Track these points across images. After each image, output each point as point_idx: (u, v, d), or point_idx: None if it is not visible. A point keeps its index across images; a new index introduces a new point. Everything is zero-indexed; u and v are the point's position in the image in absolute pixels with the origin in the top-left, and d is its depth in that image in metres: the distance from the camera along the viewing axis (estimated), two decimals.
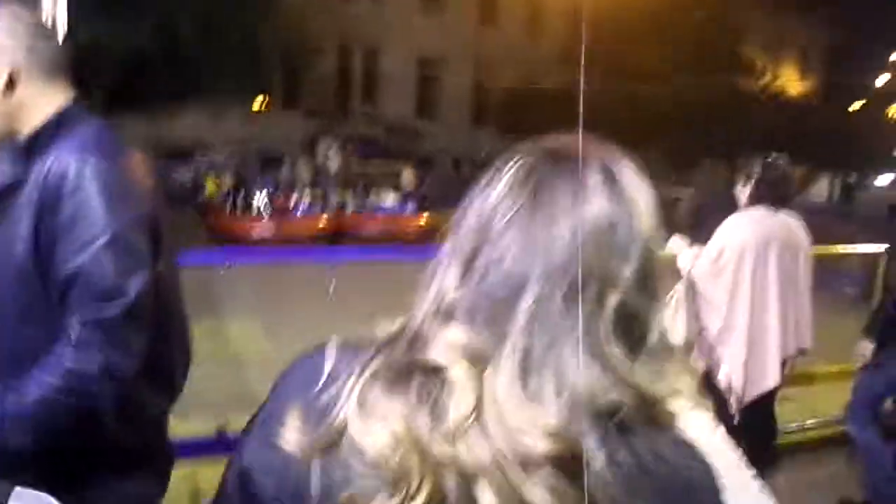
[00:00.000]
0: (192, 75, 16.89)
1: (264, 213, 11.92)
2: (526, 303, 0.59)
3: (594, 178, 0.63)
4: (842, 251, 5.84)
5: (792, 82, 36.92)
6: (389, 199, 12.46)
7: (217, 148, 22.11)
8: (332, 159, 17.30)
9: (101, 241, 1.24)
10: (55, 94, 1.38)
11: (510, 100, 27.54)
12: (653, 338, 0.64)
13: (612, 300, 0.60)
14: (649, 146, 28.13)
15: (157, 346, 1.35)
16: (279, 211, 12.17)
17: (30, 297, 1.28)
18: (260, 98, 22.91)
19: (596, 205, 0.62)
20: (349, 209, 12.41)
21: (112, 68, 14.91)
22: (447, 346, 0.60)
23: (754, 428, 3.09)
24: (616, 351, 0.60)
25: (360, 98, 26.25)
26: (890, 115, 35.84)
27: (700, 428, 0.68)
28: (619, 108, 20.62)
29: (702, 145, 26.63)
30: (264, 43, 16.88)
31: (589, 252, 0.60)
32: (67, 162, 1.27)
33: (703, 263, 2.92)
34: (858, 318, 3.44)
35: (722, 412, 3.03)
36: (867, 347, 3.15)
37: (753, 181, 3.00)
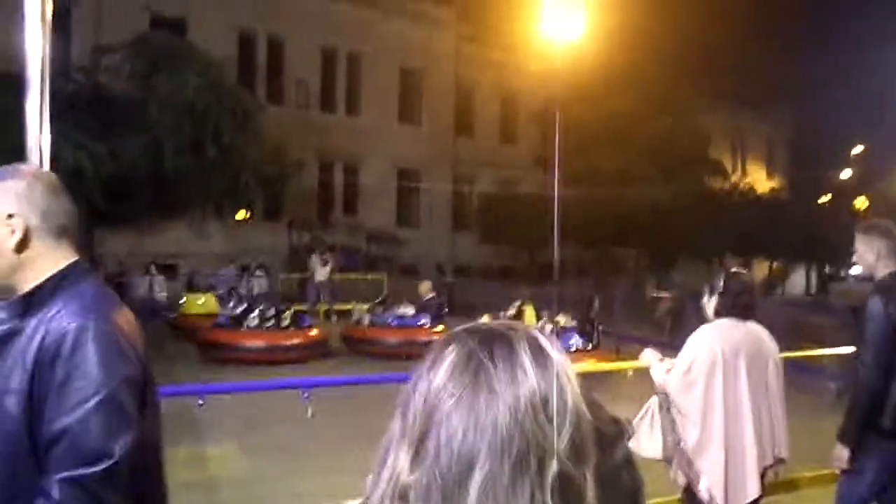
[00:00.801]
0: (178, 193, 17.20)
1: (261, 327, 11.82)
2: (476, 480, 0.64)
3: (526, 355, 0.69)
4: (816, 353, 5.94)
5: (759, 181, 38.19)
6: (408, 310, 12.49)
7: (201, 261, 22.23)
8: (320, 271, 17.48)
9: (93, 401, 1.28)
10: (60, 254, 1.47)
11: (487, 206, 28.20)
12: (587, 495, 0.68)
13: (552, 469, 0.65)
14: (625, 248, 28.76)
15: (141, 486, 1.37)
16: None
17: (22, 454, 1.31)
18: (242, 213, 23.24)
19: (530, 380, 0.68)
20: (366, 321, 12.31)
21: (100, 187, 15.16)
22: None
23: None
24: None
25: (342, 209, 26.73)
26: (855, 206, 36.98)
27: None
28: (592, 212, 21.17)
29: (677, 245, 27.23)
30: (245, 160, 17.29)
31: (528, 426, 0.66)
32: (67, 324, 1.33)
33: (675, 376, 2.99)
34: (840, 416, 3.47)
35: None
36: (843, 451, 3.18)
37: (718, 294, 3.13)
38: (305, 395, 3.57)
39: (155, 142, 15.68)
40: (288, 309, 12.67)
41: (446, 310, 13.24)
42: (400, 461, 0.68)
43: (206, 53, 17.31)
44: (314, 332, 12.29)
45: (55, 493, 1.24)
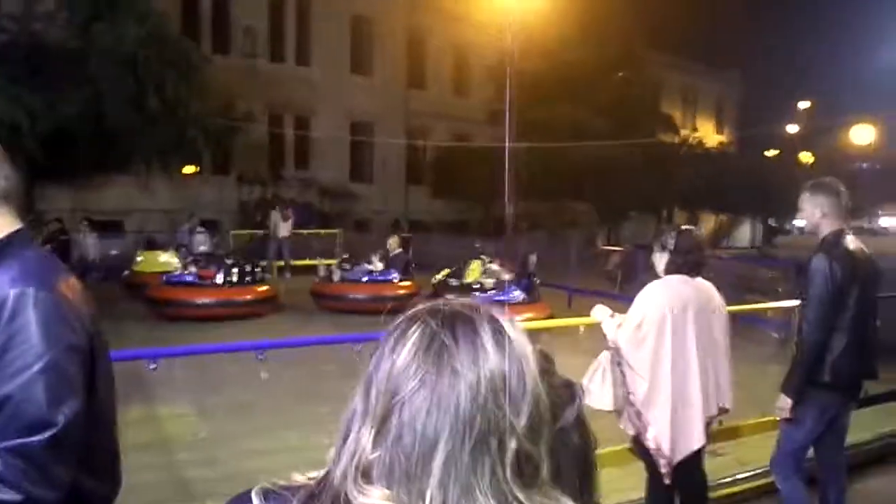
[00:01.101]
0: (121, 148, 16.66)
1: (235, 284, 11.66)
2: (439, 459, 0.66)
3: (487, 337, 0.71)
4: (760, 307, 6.12)
5: (709, 136, 38.78)
6: (377, 265, 12.43)
7: (148, 217, 21.73)
8: (283, 226, 17.23)
9: (35, 368, 1.25)
10: (2, 221, 1.42)
11: (441, 159, 28.10)
12: (544, 472, 0.71)
13: (512, 446, 0.67)
14: (577, 200, 29.07)
15: (95, 440, 1.35)
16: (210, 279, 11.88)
17: None
18: (190, 167, 22.66)
19: (491, 361, 0.69)
20: (337, 276, 12.22)
21: (38, 143, 14.58)
22: None
23: (686, 485, 3.21)
24: (519, 492, 0.67)
25: (293, 163, 26.28)
26: (801, 160, 37.93)
27: None
28: (546, 165, 21.29)
29: (628, 199, 27.63)
30: (192, 112, 16.79)
31: (489, 406, 0.67)
32: (6, 291, 1.29)
33: (625, 332, 3.06)
34: (783, 365, 3.59)
35: (653, 472, 3.14)
36: (786, 402, 3.31)
37: (668, 251, 3.18)
38: (261, 355, 3.54)
39: (95, 95, 15.10)
40: (256, 266, 12.48)
41: (413, 264, 13.21)
42: (362, 439, 0.69)
43: (147, 1, 16.60)
44: (264, 287, 12.18)
45: None
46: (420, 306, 0.76)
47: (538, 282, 11.82)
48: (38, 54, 15.92)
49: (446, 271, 12.62)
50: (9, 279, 1.32)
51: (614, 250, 18.20)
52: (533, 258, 12.67)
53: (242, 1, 24.50)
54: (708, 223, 36.27)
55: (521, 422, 0.69)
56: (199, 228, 17.71)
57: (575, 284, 13.62)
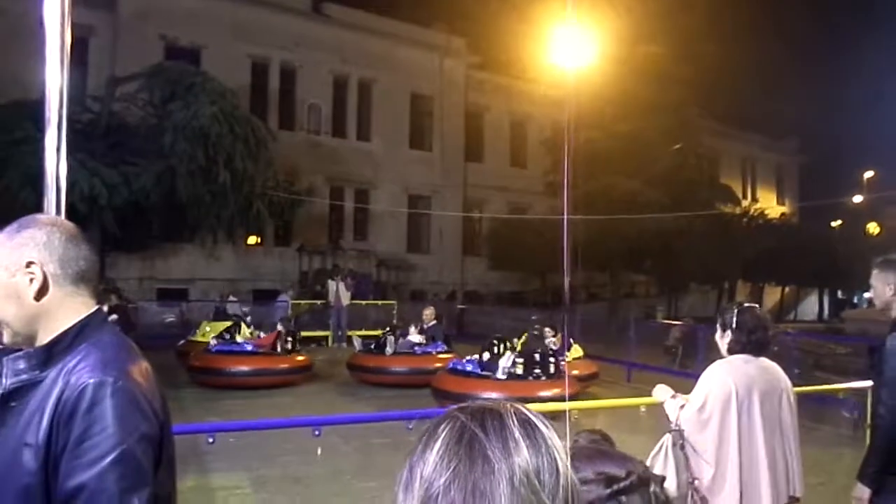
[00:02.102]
0: (190, 219, 17.34)
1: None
2: None
3: (516, 426, 0.73)
4: (831, 388, 5.86)
5: (770, 206, 38.06)
6: (416, 337, 12.40)
7: (212, 285, 22.33)
8: (345, 295, 17.48)
9: (110, 458, 1.29)
10: (79, 304, 1.48)
11: (498, 230, 28.21)
12: None
13: None
14: (635, 272, 28.67)
15: None
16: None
17: None
18: (254, 238, 23.37)
19: (522, 448, 0.72)
20: (389, 350, 12.02)
21: (114, 214, 15.33)
22: None
23: None
24: None
25: (352, 234, 26.84)
26: (868, 231, 36.76)
27: None
28: (603, 237, 21.15)
29: (688, 271, 27.13)
30: (258, 186, 17.43)
31: (524, 493, 0.69)
32: (87, 379, 1.35)
33: (688, 413, 2.97)
34: (858, 449, 3.42)
35: None
36: (864, 491, 3.14)
37: (730, 330, 3.11)
38: (316, 432, 3.56)
39: (168, 169, 15.86)
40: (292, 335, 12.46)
41: (453, 331, 13.12)
42: None
43: (219, 81, 17.53)
44: (301, 357, 12.16)
45: None
46: (450, 407, 0.79)
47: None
48: (117, 132, 16.91)
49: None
50: (89, 367, 1.37)
51: (674, 324, 17.77)
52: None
53: (308, 80, 25.63)
54: (773, 296, 35.22)
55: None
56: (231, 298, 18.35)
57: (633, 359, 13.33)
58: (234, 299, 18.30)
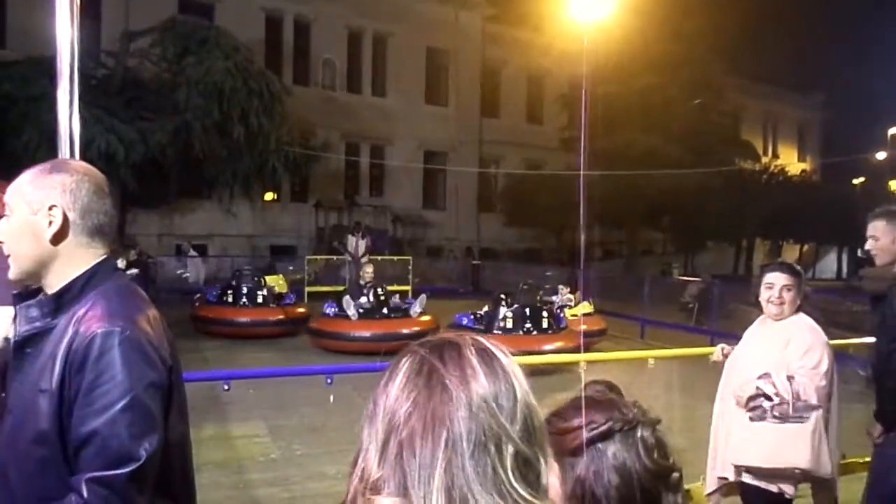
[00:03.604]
0: (206, 175, 17.41)
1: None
2: (440, 468, 0.70)
3: (474, 356, 0.76)
4: (842, 342, 5.85)
5: (791, 163, 37.49)
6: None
7: (230, 241, 22.54)
8: (361, 249, 17.54)
9: (119, 405, 1.34)
10: (91, 255, 1.51)
11: (513, 187, 28.05)
12: (544, 478, 0.75)
13: (510, 450, 0.72)
14: (652, 229, 28.50)
15: (167, 464, 1.44)
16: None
17: (53, 451, 1.37)
18: (270, 194, 23.44)
19: (480, 375, 0.75)
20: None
21: (131, 170, 15.41)
22: None
23: None
24: (522, 491, 0.72)
25: (368, 190, 26.83)
26: (891, 188, 36.18)
27: None
28: (620, 193, 20.99)
29: (705, 228, 26.92)
30: (273, 142, 17.41)
31: (482, 415, 0.72)
32: (94, 331, 1.38)
33: (810, 372, 3.00)
34: (868, 404, 3.45)
35: None
36: (878, 429, 3.19)
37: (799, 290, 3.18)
38: (329, 380, 3.63)
39: (184, 124, 15.87)
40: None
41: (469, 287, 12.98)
42: (369, 461, 0.74)
43: (233, 36, 17.40)
44: (301, 309, 12.42)
45: (85, 491, 1.31)
46: (410, 343, 0.82)
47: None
48: (132, 87, 16.88)
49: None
50: (97, 317, 1.40)
51: (691, 280, 17.71)
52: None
53: (322, 34, 25.37)
54: (791, 253, 34.94)
55: (517, 427, 0.73)
56: (192, 252, 18.58)
57: (648, 316, 13.35)
58: (195, 254, 18.65)
